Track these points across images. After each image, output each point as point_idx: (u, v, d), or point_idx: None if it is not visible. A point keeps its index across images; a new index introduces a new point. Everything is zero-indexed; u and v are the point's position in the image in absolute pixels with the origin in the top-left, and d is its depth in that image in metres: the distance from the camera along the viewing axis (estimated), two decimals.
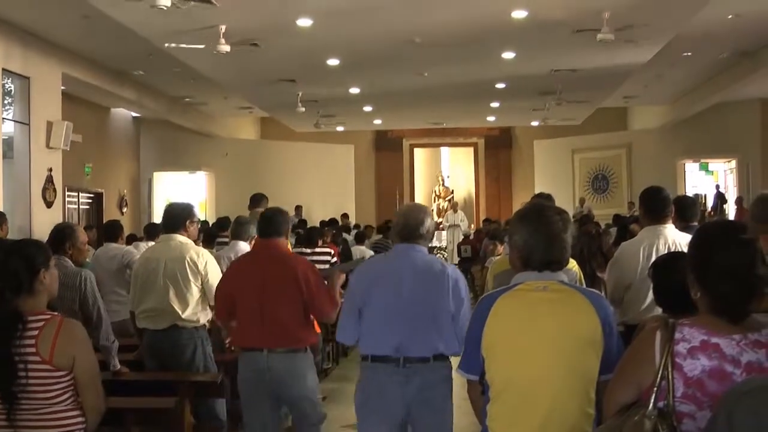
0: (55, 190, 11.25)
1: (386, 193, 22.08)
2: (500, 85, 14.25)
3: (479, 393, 2.70)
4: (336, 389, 7.75)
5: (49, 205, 11.07)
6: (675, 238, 4.41)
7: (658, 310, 3.07)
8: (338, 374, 8.76)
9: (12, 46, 10.17)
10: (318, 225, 11.73)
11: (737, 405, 1.81)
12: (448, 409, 3.79)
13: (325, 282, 4.56)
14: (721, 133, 17.67)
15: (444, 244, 20.33)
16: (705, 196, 18.39)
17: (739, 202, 16.58)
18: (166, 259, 5.04)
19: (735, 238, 2.16)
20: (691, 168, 19.68)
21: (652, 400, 2.11)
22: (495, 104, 16.74)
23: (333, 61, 11.96)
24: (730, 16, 10.37)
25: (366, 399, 3.77)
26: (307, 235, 8.54)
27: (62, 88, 11.72)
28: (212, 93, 15.21)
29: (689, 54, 12.61)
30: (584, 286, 4.17)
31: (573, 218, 4.46)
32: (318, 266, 5.04)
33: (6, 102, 10.56)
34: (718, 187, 18.85)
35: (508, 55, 11.73)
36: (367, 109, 16.98)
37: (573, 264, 4.18)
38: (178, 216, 5.20)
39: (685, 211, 4.79)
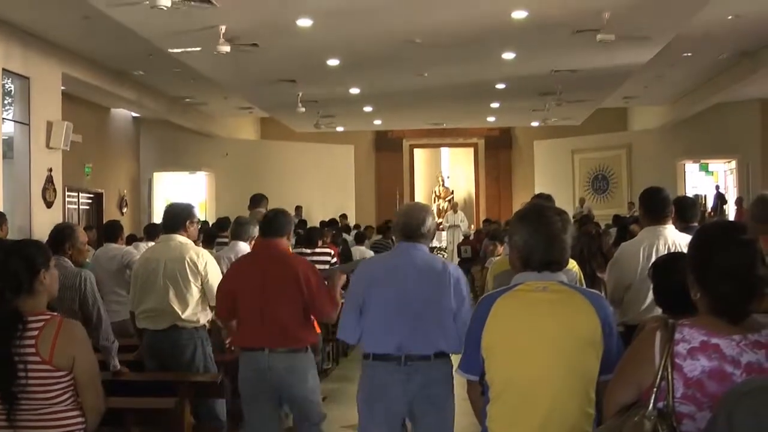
0: (55, 191, 11.25)
1: (386, 194, 22.04)
2: (500, 86, 14.24)
3: (479, 393, 2.70)
4: (336, 389, 7.75)
5: (49, 205, 11.07)
6: (675, 239, 4.41)
7: (658, 311, 3.07)
8: (338, 374, 8.76)
9: (12, 46, 10.17)
10: (318, 225, 11.72)
11: (737, 405, 1.81)
12: (450, 407, 3.79)
13: (326, 282, 4.56)
14: (721, 134, 17.65)
15: (444, 244, 20.30)
16: (705, 196, 18.35)
17: (739, 202, 16.56)
18: (166, 260, 5.05)
19: (735, 238, 2.16)
20: (691, 168, 19.66)
21: (652, 401, 2.11)
22: (495, 105, 16.72)
23: (333, 62, 11.96)
24: (730, 17, 10.37)
25: (368, 397, 3.78)
26: (307, 236, 8.54)
27: (62, 88, 11.72)
28: (212, 93, 15.20)
29: (689, 54, 12.61)
30: (584, 286, 4.18)
31: (573, 218, 4.45)
32: (318, 267, 5.04)
33: (6, 102, 10.55)
34: (718, 187, 18.83)
35: (508, 55, 11.72)
36: (367, 109, 16.97)
37: (573, 264, 4.18)
38: (178, 216, 5.20)
39: (685, 211, 4.79)
